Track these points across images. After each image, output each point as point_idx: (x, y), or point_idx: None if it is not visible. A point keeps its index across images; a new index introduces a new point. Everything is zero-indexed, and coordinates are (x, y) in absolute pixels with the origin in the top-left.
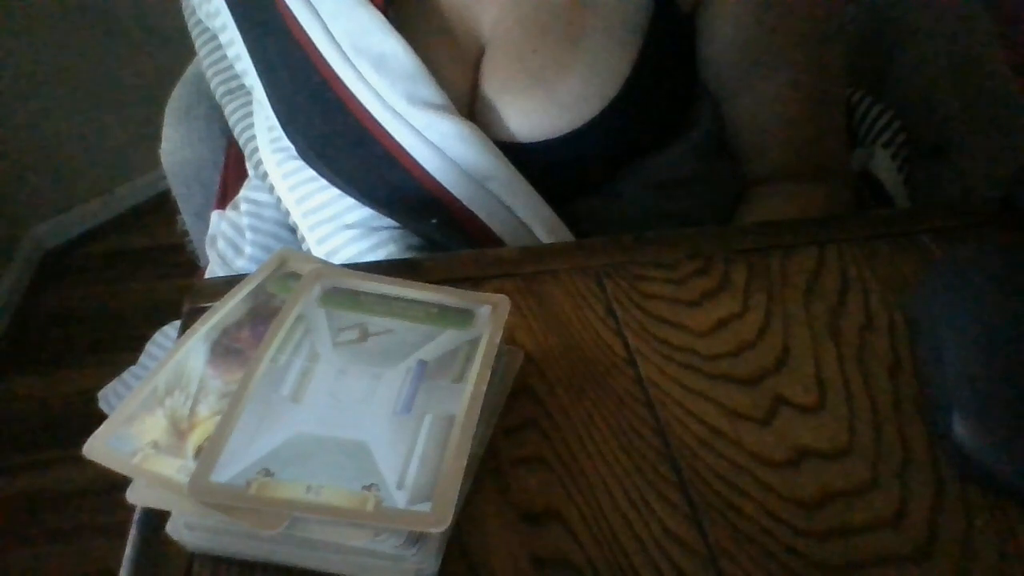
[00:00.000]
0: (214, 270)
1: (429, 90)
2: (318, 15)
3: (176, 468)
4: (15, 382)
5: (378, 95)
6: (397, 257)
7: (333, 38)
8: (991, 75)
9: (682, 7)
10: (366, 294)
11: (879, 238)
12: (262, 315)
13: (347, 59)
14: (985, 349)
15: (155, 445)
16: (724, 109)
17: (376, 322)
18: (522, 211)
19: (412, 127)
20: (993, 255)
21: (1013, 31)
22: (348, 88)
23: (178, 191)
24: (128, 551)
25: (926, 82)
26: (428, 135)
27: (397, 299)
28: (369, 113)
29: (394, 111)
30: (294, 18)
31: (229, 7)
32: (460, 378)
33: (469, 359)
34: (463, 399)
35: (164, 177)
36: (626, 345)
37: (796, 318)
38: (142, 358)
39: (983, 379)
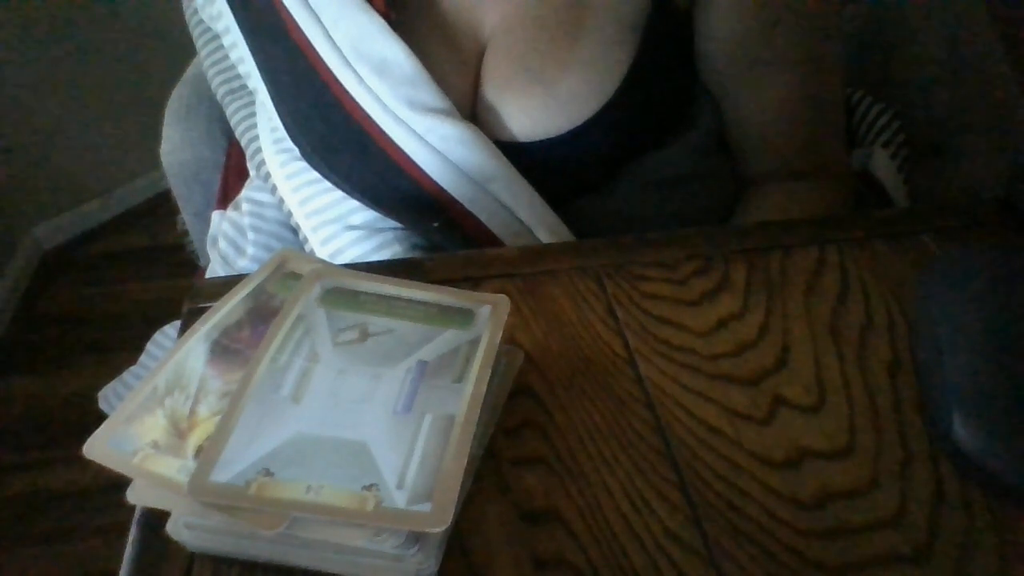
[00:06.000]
0: (215, 270)
1: (430, 94)
2: (319, 20)
3: (176, 468)
4: (15, 382)
5: (379, 100)
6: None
7: (334, 43)
8: (991, 75)
9: (679, 4)
10: (366, 294)
11: (879, 238)
12: (262, 315)
13: (348, 64)
14: (985, 349)
15: (155, 445)
16: (723, 107)
17: (376, 322)
18: (523, 212)
19: (413, 131)
20: (993, 255)
21: (1013, 31)
22: (349, 93)
23: (178, 191)
24: (128, 551)
25: (926, 82)
26: (429, 139)
27: (397, 299)
28: (370, 118)
29: (395, 116)
30: (295, 23)
31: (232, 10)
32: (460, 378)
33: (469, 359)
34: (463, 399)
35: (164, 177)
36: (626, 345)
37: (796, 318)
38: (142, 358)
39: (983, 379)
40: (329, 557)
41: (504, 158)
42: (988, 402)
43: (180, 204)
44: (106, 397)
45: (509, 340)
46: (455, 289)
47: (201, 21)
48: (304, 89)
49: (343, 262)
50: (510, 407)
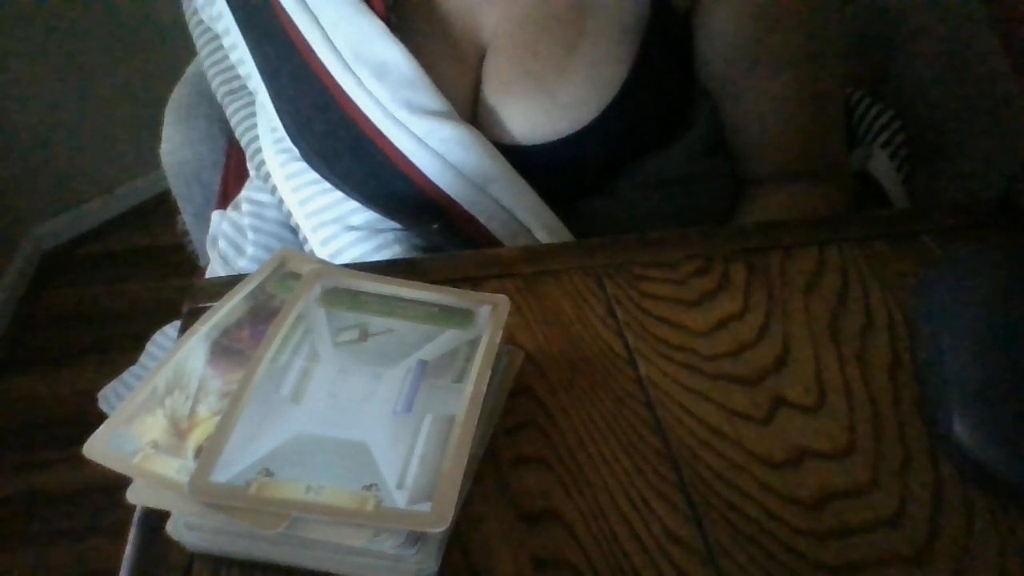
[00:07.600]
0: (215, 270)
1: (430, 97)
2: (318, 23)
3: (176, 468)
4: (15, 382)
5: (379, 103)
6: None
7: (334, 46)
8: (991, 75)
9: (678, 7)
10: (366, 294)
11: (879, 238)
12: (262, 315)
13: (347, 67)
14: (985, 349)
15: (155, 445)
16: (723, 109)
17: (376, 322)
18: (522, 214)
19: (413, 134)
20: (993, 255)
21: (1013, 31)
22: (348, 95)
23: (178, 191)
24: (128, 551)
25: (926, 82)
26: (429, 142)
27: (397, 299)
28: (370, 121)
29: (395, 118)
30: (294, 25)
31: (232, 11)
32: (460, 378)
33: (469, 359)
34: (463, 399)
35: (164, 177)
36: (626, 345)
37: (796, 318)
38: (142, 358)
39: (983, 379)
40: (329, 557)
41: (504, 160)
42: (988, 402)
43: (180, 204)
44: (106, 397)
45: (509, 340)
46: (455, 289)
47: (201, 21)
48: (304, 91)
49: (343, 262)
50: (510, 407)
